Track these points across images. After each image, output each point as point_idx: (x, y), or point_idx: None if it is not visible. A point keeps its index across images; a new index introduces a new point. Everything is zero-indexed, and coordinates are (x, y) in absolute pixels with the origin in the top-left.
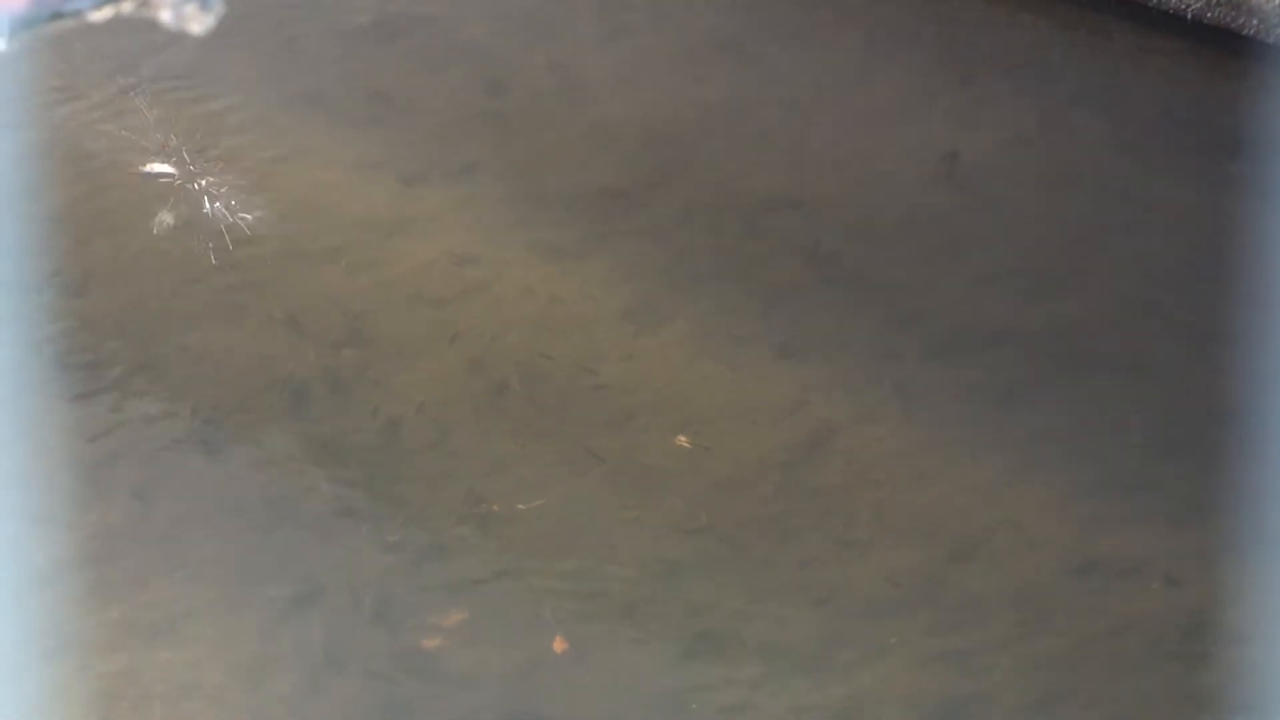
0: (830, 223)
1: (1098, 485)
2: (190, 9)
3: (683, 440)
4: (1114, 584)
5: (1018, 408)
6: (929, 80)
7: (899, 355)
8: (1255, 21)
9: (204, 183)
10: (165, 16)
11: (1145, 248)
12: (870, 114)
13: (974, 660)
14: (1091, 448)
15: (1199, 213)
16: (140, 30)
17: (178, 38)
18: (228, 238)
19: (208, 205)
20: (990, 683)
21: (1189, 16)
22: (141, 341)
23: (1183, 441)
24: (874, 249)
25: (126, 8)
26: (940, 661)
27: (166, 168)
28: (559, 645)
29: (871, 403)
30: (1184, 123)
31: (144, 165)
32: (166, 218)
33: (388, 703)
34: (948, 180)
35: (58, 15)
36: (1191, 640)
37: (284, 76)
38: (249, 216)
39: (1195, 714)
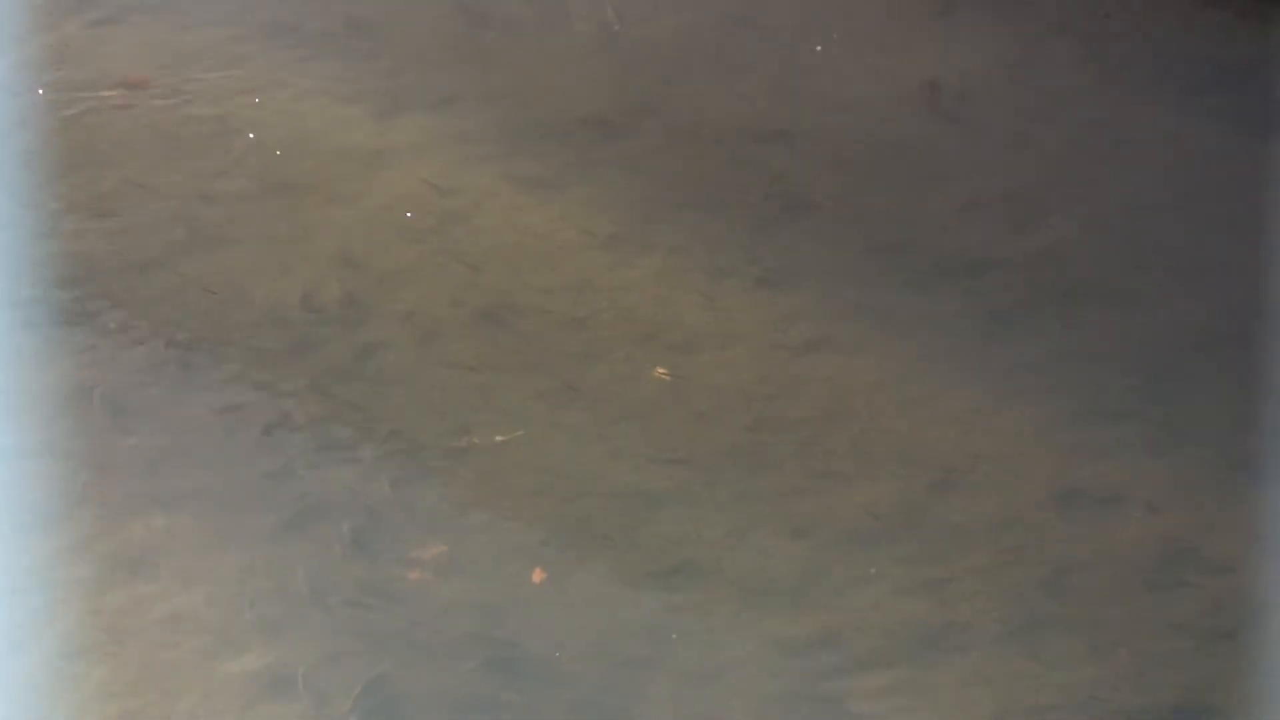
0: (811, 151)
1: (1079, 414)
2: None
3: (662, 372)
4: (1095, 512)
5: (999, 337)
6: (911, 8)
7: (880, 285)
8: None
9: (180, 114)
10: None
11: (1127, 177)
12: (851, 42)
13: (954, 589)
14: (1073, 376)
15: (1182, 142)
16: None
17: None
18: (205, 168)
19: (185, 136)
20: (970, 611)
21: None
22: (120, 274)
23: (1164, 370)
24: (855, 178)
25: None
26: (920, 591)
27: (143, 99)
28: (538, 576)
29: (852, 333)
30: (1167, 51)
31: (120, 98)
32: (145, 151)
33: (369, 633)
34: (929, 109)
35: None
36: (1172, 568)
37: (260, 6)
38: (227, 147)
39: (1176, 642)
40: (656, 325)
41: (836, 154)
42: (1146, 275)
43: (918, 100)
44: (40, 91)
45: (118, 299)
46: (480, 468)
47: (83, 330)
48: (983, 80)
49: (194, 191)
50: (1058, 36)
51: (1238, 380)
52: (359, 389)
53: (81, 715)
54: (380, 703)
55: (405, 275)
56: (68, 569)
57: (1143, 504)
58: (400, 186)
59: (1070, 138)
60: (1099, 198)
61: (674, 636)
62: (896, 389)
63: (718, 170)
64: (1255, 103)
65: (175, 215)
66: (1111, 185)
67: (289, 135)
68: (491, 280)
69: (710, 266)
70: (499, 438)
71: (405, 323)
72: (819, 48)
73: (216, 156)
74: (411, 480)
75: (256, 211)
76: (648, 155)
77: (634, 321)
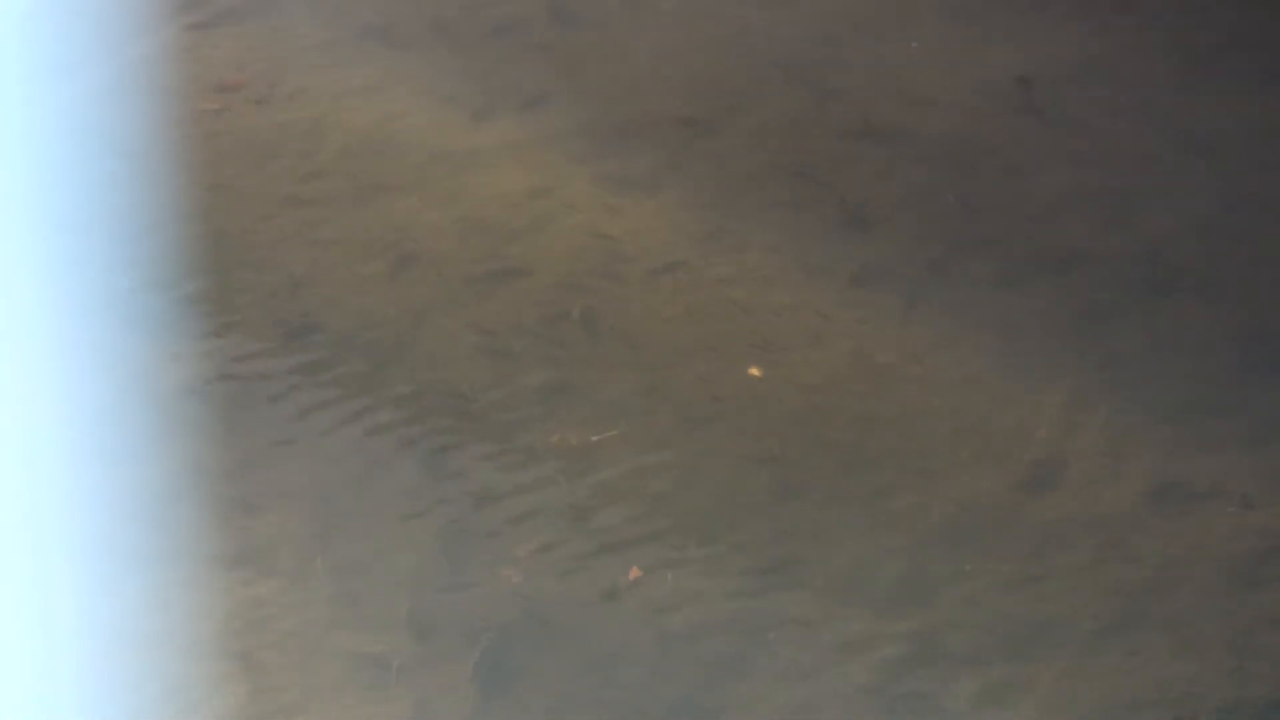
0: (903, 147)
1: (1174, 409)
2: None
3: (755, 370)
4: (1191, 508)
5: (1093, 332)
6: (1003, 3)
7: (974, 281)
8: None
9: (274, 116)
10: None
11: (1220, 170)
12: (944, 38)
13: (1050, 585)
14: (1167, 371)
15: (1276, 135)
16: None
17: None
18: (299, 170)
19: (279, 138)
20: (1067, 607)
21: None
22: (216, 276)
23: (1260, 364)
24: (946, 174)
25: None
26: (1016, 588)
27: (238, 102)
28: (634, 574)
29: (944, 328)
30: (1258, 44)
31: (216, 101)
32: (239, 153)
33: (467, 630)
34: (1021, 104)
35: None
36: (1269, 563)
37: (353, 10)
38: (320, 149)
39: (1272, 636)
40: (750, 323)
41: (928, 150)
42: (1241, 269)
43: (1009, 95)
44: (139, 95)
45: (214, 300)
46: (575, 466)
47: (180, 331)
48: (1074, 75)
49: (287, 193)
50: (1149, 30)
51: None
52: (454, 389)
53: (183, 712)
54: (478, 699)
55: (500, 276)
56: (168, 568)
57: (1239, 498)
58: (493, 187)
59: (1163, 132)
60: (1192, 191)
61: (770, 635)
62: (990, 385)
63: (808, 168)
64: None
65: (269, 217)
66: (1205, 179)
67: (382, 137)
68: (583, 280)
69: (803, 264)
70: (593, 437)
71: (499, 322)
72: (914, 44)
73: (310, 158)
74: (507, 479)
75: (350, 213)
76: (739, 154)
77: (728, 319)
